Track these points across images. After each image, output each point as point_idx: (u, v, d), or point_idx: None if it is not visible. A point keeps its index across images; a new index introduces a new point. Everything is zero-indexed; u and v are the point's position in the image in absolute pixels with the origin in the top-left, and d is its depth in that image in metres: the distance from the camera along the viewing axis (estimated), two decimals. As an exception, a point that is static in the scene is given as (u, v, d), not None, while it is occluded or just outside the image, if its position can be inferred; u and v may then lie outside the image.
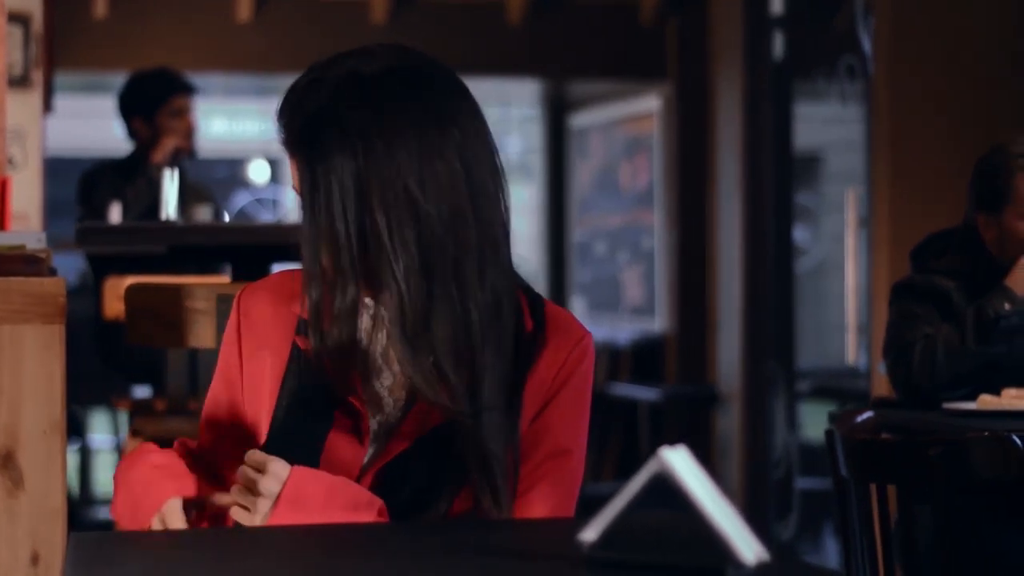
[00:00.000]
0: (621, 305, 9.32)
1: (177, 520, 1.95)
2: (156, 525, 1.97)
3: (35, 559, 2.63)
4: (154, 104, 5.67)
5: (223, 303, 2.80)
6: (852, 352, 6.64)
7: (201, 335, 2.87)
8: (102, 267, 5.49)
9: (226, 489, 1.97)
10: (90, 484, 7.57)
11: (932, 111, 5.83)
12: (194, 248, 3.94)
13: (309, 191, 1.95)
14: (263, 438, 2.04)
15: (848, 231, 6.55)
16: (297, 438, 2.01)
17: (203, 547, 1.75)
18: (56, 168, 7.38)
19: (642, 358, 8.68)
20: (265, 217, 13.90)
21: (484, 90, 8.43)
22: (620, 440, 8.58)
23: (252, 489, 1.90)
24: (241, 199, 14.05)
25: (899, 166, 5.85)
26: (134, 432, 3.98)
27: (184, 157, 5.68)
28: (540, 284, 9.42)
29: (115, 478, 2.08)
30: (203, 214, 5.40)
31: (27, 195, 5.79)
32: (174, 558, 1.65)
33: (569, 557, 1.56)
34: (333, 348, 1.99)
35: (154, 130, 5.66)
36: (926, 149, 5.82)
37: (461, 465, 1.97)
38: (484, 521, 1.95)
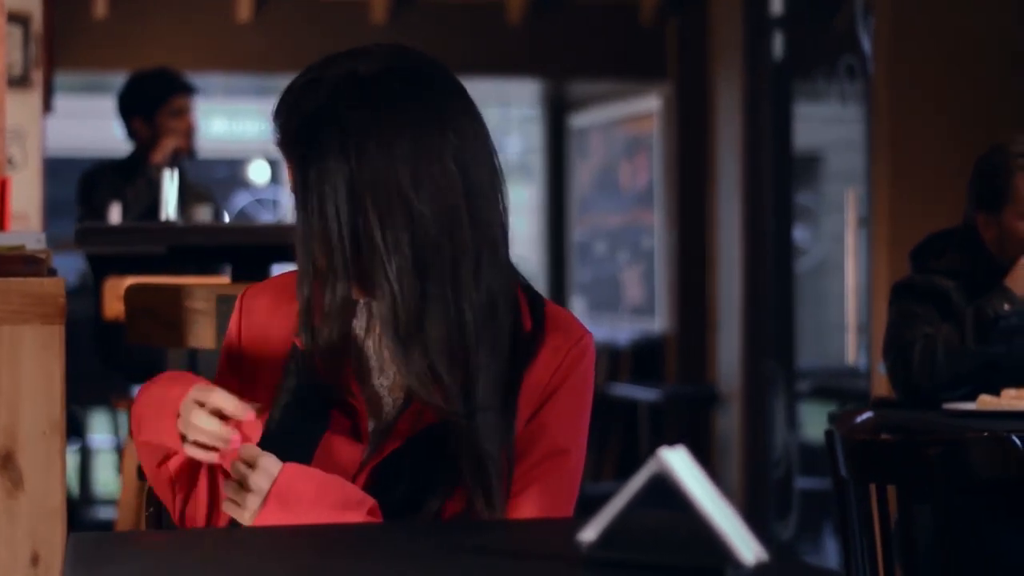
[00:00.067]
0: (621, 305, 9.32)
1: (219, 395, 1.90)
2: (189, 410, 1.91)
3: (35, 559, 2.64)
4: (154, 104, 5.67)
5: (223, 303, 2.81)
6: (852, 352, 6.64)
7: (201, 335, 2.87)
8: (102, 267, 5.49)
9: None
10: (90, 484, 7.58)
11: (932, 111, 5.84)
12: (194, 248, 3.93)
13: (303, 191, 1.95)
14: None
15: (848, 231, 6.55)
16: (292, 436, 2.01)
17: (202, 547, 1.75)
18: (56, 168, 7.38)
19: (642, 358, 8.68)
20: (265, 217, 13.90)
21: (484, 90, 8.45)
22: (620, 440, 8.58)
23: (243, 484, 1.91)
24: (241, 199, 14.04)
25: (899, 166, 5.85)
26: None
27: (184, 157, 5.68)
28: (540, 284, 9.41)
29: (131, 415, 2.05)
30: (203, 214, 5.41)
31: (27, 195, 5.78)
32: (173, 558, 1.66)
33: (568, 557, 1.56)
34: (324, 347, 2.00)
35: (154, 130, 5.66)
36: (926, 149, 5.83)
37: (454, 465, 1.97)
38: (482, 521, 1.95)
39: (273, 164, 13.95)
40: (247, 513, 1.91)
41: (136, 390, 5.71)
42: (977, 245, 3.65)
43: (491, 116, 2.04)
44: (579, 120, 10.00)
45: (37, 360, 2.63)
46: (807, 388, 7.22)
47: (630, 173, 9.19)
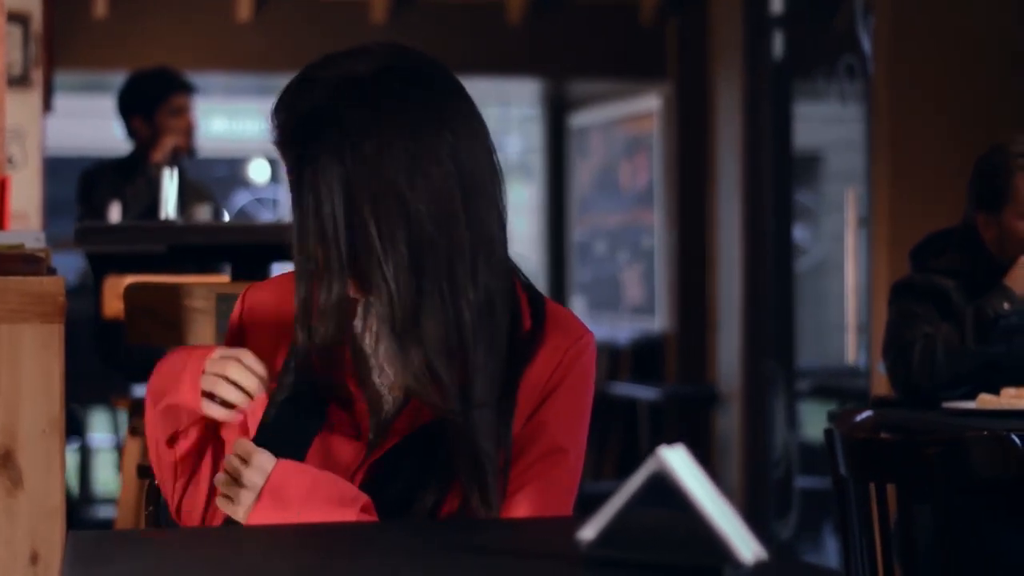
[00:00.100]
0: (621, 305, 9.32)
1: (247, 354, 1.94)
2: (222, 364, 1.94)
3: (34, 558, 2.64)
4: (153, 103, 5.67)
5: (223, 302, 2.81)
6: (852, 352, 6.64)
7: (200, 334, 2.87)
8: (102, 266, 5.48)
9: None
10: (89, 483, 7.58)
11: (932, 111, 5.84)
12: (194, 248, 3.93)
13: (300, 189, 1.95)
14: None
15: (848, 231, 6.55)
16: (287, 433, 2.01)
17: (201, 547, 1.75)
18: (56, 168, 7.38)
19: (642, 357, 8.68)
20: (265, 216, 13.90)
21: (484, 90, 8.45)
22: (620, 439, 8.58)
23: (237, 480, 1.91)
24: (241, 198, 14.05)
25: (899, 166, 5.85)
26: (133, 431, 3.98)
27: (184, 156, 5.67)
28: (540, 284, 9.40)
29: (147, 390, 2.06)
30: (203, 213, 5.41)
31: (27, 194, 5.78)
32: (173, 558, 1.65)
33: (567, 556, 1.56)
34: (321, 345, 2.00)
35: (154, 129, 5.66)
36: (926, 149, 5.83)
37: (450, 463, 1.97)
38: (483, 520, 1.95)
39: (273, 163, 13.95)
40: (241, 509, 1.91)
41: (136, 390, 5.72)
42: (977, 245, 3.65)
43: (491, 116, 2.03)
44: (579, 120, 10.00)
45: (36, 359, 2.63)
46: (807, 388, 7.23)
47: (630, 173, 9.18)
